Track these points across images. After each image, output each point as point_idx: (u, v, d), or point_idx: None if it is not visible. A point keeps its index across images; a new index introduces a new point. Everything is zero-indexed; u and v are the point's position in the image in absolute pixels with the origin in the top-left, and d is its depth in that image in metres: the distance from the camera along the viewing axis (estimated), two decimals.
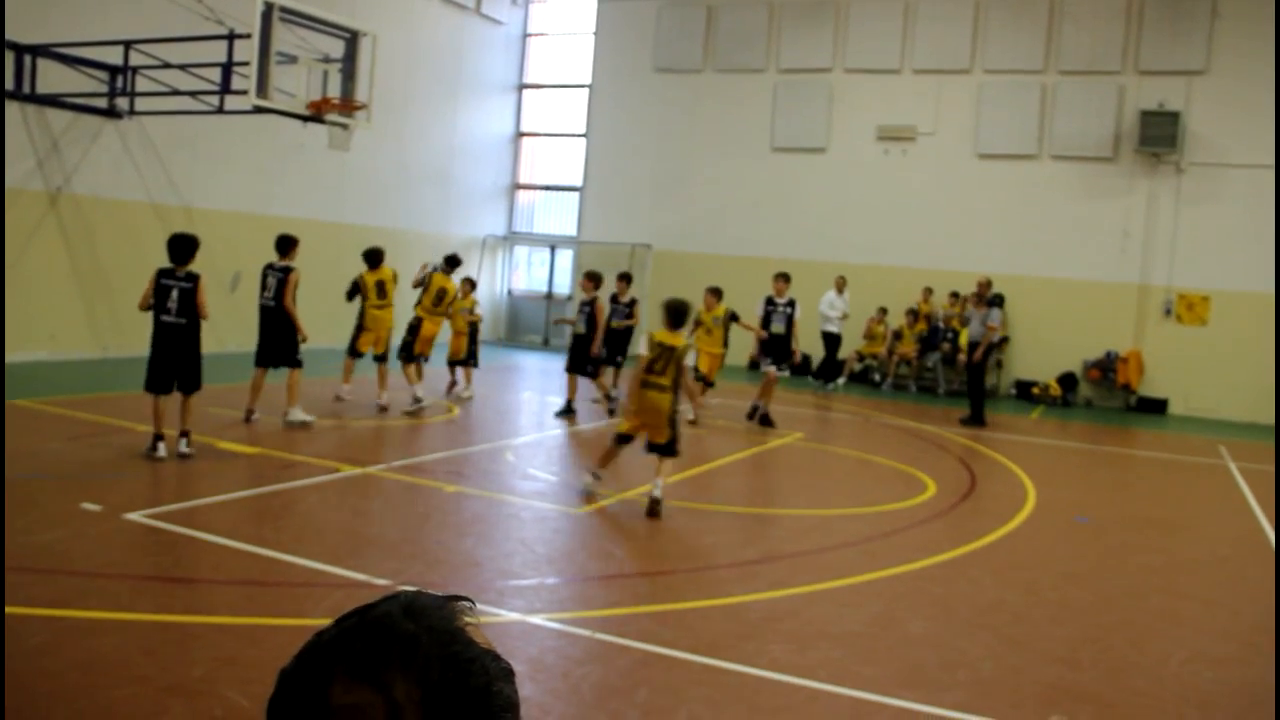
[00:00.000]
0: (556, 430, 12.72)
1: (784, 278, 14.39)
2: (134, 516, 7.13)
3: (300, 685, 0.97)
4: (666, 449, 8.55)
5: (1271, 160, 17.94)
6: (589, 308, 13.53)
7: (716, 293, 13.84)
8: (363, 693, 0.94)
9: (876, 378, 20.05)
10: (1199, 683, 5.69)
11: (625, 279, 14.80)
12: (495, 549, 7.35)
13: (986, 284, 16.10)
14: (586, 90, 23.71)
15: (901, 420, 15.40)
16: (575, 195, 23.89)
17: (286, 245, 11.57)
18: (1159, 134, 18.47)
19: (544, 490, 9.36)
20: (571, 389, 13.52)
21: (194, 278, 9.09)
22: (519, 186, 24.56)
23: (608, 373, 14.57)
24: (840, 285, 19.12)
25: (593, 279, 13.70)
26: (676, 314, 8.65)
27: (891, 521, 8.99)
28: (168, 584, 6.00)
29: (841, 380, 19.42)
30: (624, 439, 8.84)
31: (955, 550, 8.04)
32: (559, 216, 24.24)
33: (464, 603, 1.05)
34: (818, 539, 8.25)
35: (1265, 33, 18.05)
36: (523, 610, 5.93)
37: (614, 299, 14.57)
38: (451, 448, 10.91)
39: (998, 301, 16.05)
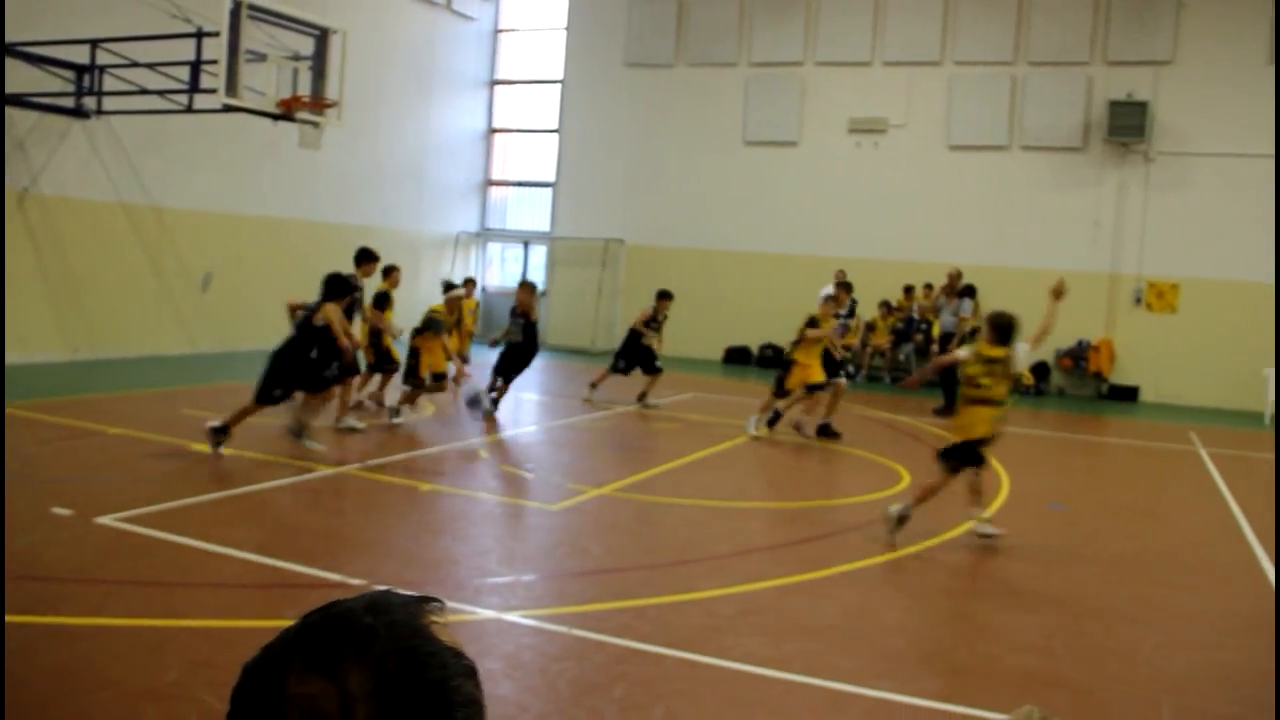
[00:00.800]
0: (530, 427, 12.71)
1: (846, 287, 13.85)
2: (106, 520, 7.07)
3: (260, 676, 0.99)
4: (973, 458, 8.08)
5: (1237, 149, 18.18)
6: (524, 318, 12.82)
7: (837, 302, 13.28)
8: (317, 683, 0.96)
9: (850, 369, 20.09)
10: (1171, 667, 5.75)
11: (667, 296, 14.61)
12: (471, 547, 7.34)
13: (957, 275, 16.19)
14: (559, 86, 23.67)
15: (875, 411, 15.46)
16: (548, 191, 23.86)
17: (357, 259, 11.56)
18: (1127, 124, 18.62)
19: (519, 487, 9.35)
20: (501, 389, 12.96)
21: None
22: (492, 183, 24.50)
23: (643, 380, 14.43)
24: (839, 279, 19.10)
25: (528, 288, 13.15)
26: (1005, 330, 8.06)
27: (867, 513, 9.02)
28: (140, 588, 5.95)
29: None
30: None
31: (930, 540, 8.07)
32: (532, 212, 24.19)
33: (433, 603, 1.06)
34: (793, 531, 8.28)
35: (1230, 23, 18.28)
36: (499, 608, 5.93)
37: (654, 316, 14.40)
38: (426, 446, 10.87)
39: (969, 292, 16.13)
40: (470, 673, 1.03)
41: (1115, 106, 18.71)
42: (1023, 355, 8.05)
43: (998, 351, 8.04)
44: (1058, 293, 8.05)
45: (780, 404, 12.57)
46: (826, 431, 12.64)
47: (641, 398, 14.38)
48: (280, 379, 9.58)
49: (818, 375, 12.36)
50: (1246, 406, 17.87)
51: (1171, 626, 6.51)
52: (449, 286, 13.72)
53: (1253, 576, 7.65)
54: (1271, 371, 17.02)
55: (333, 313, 9.75)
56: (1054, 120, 19.47)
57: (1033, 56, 19.63)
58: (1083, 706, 5.13)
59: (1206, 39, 18.52)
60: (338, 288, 9.91)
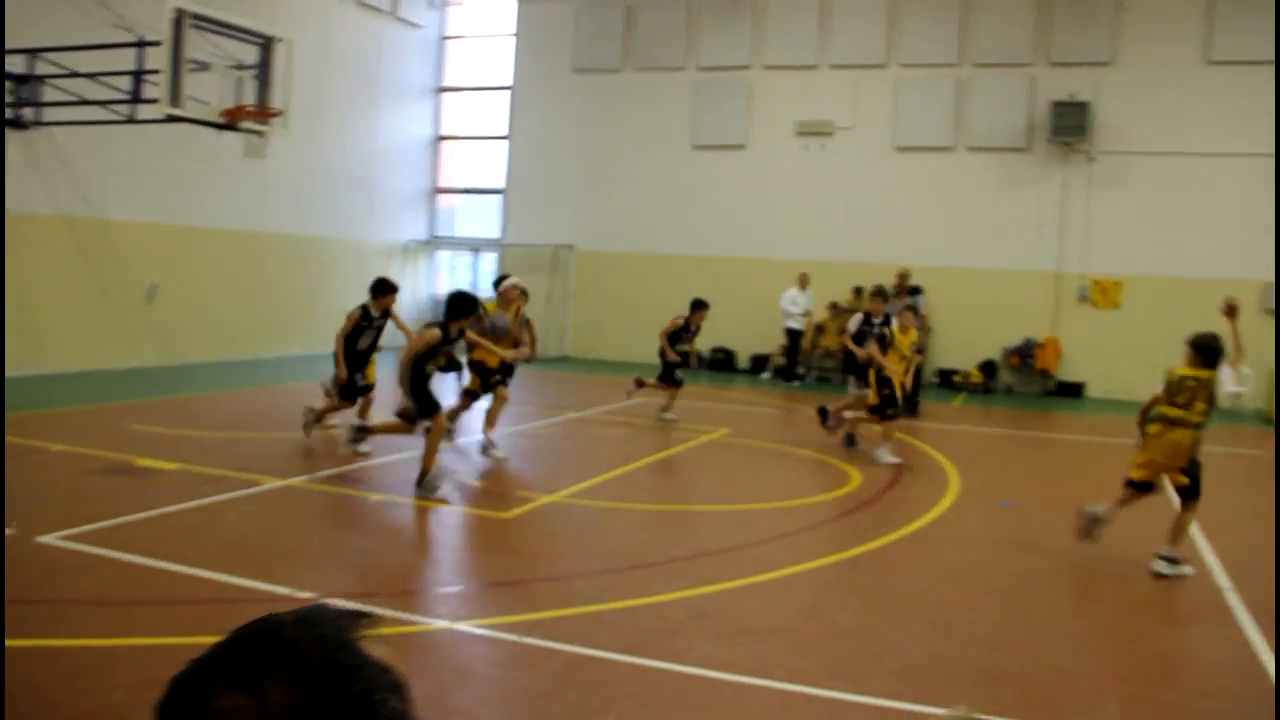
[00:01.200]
0: (480, 435, 12.64)
1: (882, 296, 13.29)
2: (48, 539, 6.95)
3: (183, 691, 0.99)
4: (1191, 491, 7.71)
5: (1176, 148, 18.58)
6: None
7: (917, 313, 12.72)
8: (237, 698, 0.96)
9: (800, 370, 20.24)
10: (1117, 657, 5.85)
11: (703, 306, 14.19)
12: (421, 556, 7.30)
13: (905, 275, 16.36)
14: (508, 92, 23.62)
15: None
16: (498, 198, 23.78)
17: (373, 290, 11.17)
18: (1070, 124, 18.91)
19: (469, 496, 9.31)
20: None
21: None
22: (440, 190, 24.39)
23: (657, 387, 14.04)
24: (803, 282, 19.26)
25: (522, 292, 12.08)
26: (1209, 351, 7.69)
27: (817, 514, 9.09)
28: (86, 607, 5.87)
29: (766, 374, 19.64)
30: (1142, 487, 7.93)
31: (880, 539, 8.15)
32: (481, 220, 24.10)
33: (365, 617, 1.06)
34: (744, 534, 8.31)
35: (1167, 24, 18.68)
36: (449, 617, 5.90)
37: (688, 325, 14.07)
38: (376, 457, 10.79)
39: (915, 292, 16.31)
40: (397, 688, 1.02)
41: (1058, 107, 19.00)
42: (1228, 380, 7.75)
43: (1201, 373, 7.74)
44: (1230, 310, 7.84)
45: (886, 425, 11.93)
46: (825, 416, 12.52)
47: (666, 410, 14.02)
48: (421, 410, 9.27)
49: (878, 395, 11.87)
50: None
51: (1117, 618, 6.62)
52: (500, 280, 12.41)
53: (1195, 567, 7.78)
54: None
55: (423, 335, 9.26)
56: (999, 121, 19.74)
57: (977, 58, 19.88)
58: (1031, 699, 5.19)
59: (1145, 40, 18.89)
60: (458, 308, 9.29)
